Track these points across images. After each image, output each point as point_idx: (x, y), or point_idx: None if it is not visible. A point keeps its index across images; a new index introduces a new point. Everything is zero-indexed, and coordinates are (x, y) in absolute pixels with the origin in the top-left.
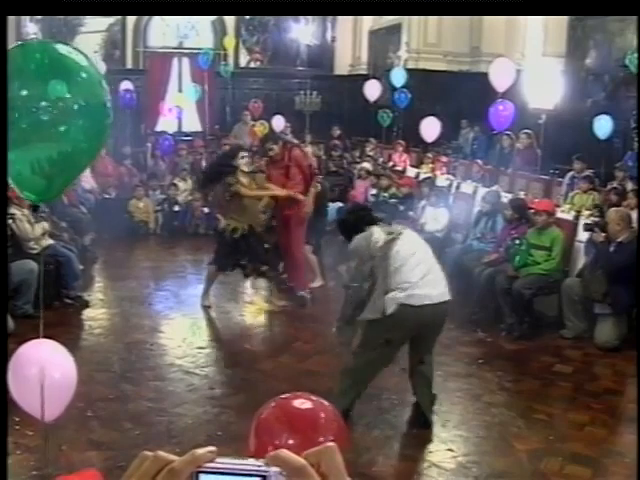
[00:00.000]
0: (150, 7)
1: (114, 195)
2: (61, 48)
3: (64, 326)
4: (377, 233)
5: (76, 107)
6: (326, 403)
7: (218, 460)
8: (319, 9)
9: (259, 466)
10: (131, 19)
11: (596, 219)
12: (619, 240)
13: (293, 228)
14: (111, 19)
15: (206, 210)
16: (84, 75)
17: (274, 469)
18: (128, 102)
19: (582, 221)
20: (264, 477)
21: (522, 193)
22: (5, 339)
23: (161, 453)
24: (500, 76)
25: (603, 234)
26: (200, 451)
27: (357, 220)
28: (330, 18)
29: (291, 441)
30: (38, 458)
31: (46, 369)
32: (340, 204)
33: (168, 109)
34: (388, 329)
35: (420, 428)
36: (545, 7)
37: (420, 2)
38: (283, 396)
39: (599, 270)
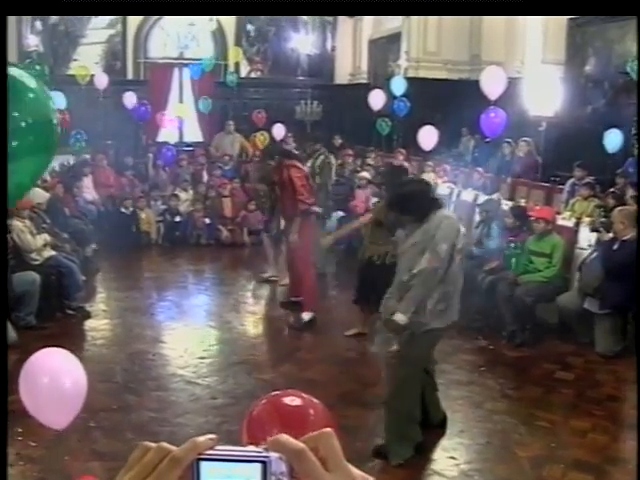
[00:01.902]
0: (150, 7)
1: (129, 211)
2: (13, 71)
3: (66, 337)
4: (460, 225)
5: (24, 124)
6: (316, 400)
7: (218, 447)
8: (319, 9)
9: (259, 452)
10: (131, 30)
11: (602, 219)
12: (624, 239)
13: (301, 246)
14: (111, 30)
15: (207, 221)
16: (31, 95)
17: (274, 455)
18: (143, 115)
19: (583, 227)
20: (264, 463)
21: (523, 200)
22: (5, 344)
23: (164, 444)
24: (492, 84)
25: (609, 234)
26: (200, 439)
27: (430, 197)
28: (330, 27)
29: None
30: (41, 469)
31: (57, 377)
32: (342, 213)
33: (169, 120)
34: (432, 345)
35: (439, 427)
36: (545, 7)
37: (420, 2)
38: (274, 393)
39: (598, 265)
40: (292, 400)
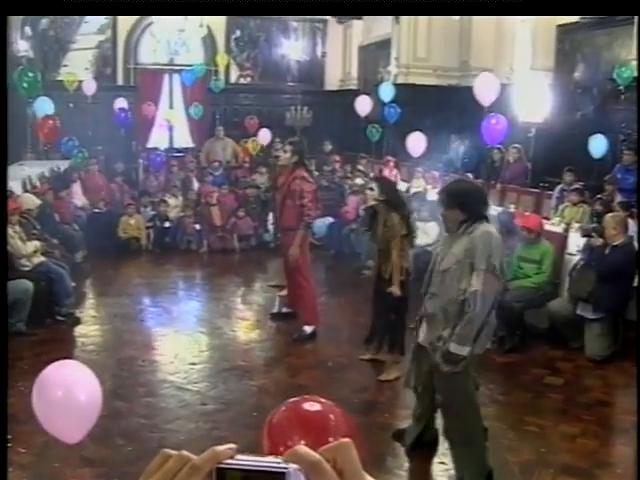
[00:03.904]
0: (149, 7)
1: (104, 209)
2: None
3: (56, 343)
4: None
5: None
6: (335, 406)
7: (237, 457)
8: (317, 9)
9: (278, 463)
10: (121, 35)
11: (594, 225)
12: (615, 244)
13: (301, 259)
14: (102, 36)
15: (198, 227)
16: None
17: (293, 466)
18: (123, 121)
19: (572, 233)
20: (283, 474)
21: (512, 206)
22: (5, 345)
23: (184, 452)
24: (485, 90)
25: (601, 239)
26: (220, 448)
27: (484, 204)
28: (320, 33)
29: (302, 442)
30: (30, 475)
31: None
32: (331, 219)
33: (159, 125)
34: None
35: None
36: (545, 7)
37: (419, 2)
38: (292, 400)
39: (590, 270)
40: (312, 406)
